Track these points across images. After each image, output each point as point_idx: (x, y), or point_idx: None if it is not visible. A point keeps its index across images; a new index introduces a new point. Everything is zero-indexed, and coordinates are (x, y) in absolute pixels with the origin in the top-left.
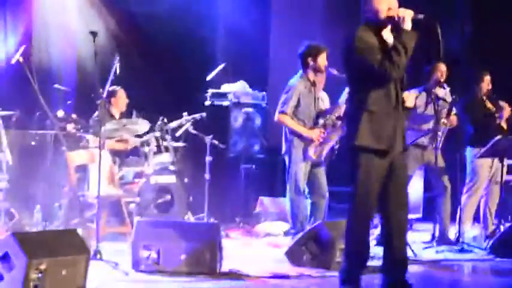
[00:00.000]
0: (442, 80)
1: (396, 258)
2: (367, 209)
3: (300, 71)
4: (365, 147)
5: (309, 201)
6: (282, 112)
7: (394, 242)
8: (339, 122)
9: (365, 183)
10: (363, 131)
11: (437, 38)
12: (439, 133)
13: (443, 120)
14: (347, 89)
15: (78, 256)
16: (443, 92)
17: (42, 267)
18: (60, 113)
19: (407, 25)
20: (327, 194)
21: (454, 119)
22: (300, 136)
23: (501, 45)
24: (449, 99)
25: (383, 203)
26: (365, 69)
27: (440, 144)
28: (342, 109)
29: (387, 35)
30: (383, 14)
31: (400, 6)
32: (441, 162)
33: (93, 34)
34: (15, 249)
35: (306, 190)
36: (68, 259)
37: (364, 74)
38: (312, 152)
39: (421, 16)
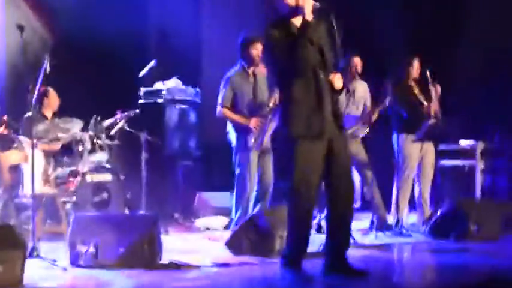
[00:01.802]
0: (358, 72)
1: (339, 239)
2: (307, 194)
3: (239, 63)
4: (297, 136)
5: (254, 191)
6: (221, 105)
7: (336, 222)
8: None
9: (303, 168)
10: (292, 120)
11: (333, 28)
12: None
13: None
14: None
15: (14, 251)
16: (363, 86)
17: None
18: None
19: (308, 15)
20: (271, 183)
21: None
22: (239, 126)
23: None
24: (366, 92)
25: (327, 184)
26: (277, 64)
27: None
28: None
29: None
30: (289, 5)
31: None
32: (364, 154)
33: (20, 28)
34: None
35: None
36: (3, 254)
37: (279, 68)
38: (251, 141)
39: (318, 5)
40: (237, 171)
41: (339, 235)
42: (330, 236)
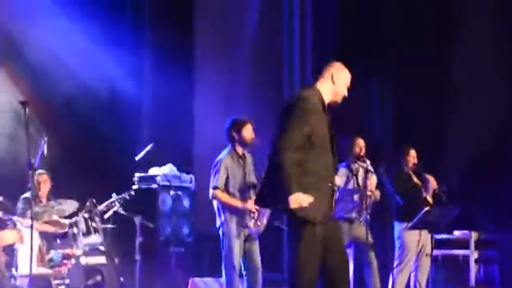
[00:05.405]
0: (362, 154)
1: None
2: (311, 281)
3: (229, 146)
4: (305, 219)
5: (244, 277)
6: (214, 187)
7: None
8: None
9: (309, 253)
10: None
11: None
12: (365, 206)
13: (369, 192)
14: None
15: None
16: (365, 166)
17: None
18: None
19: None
20: (260, 268)
21: (377, 192)
22: (234, 210)
23: (423, 121)
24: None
25: (323, 270)
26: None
27: (368, 218)
28: None
29: None
30: None
31: None
32: (369, 238)
33: (24, 104)
34: None
35: (242, 266)
36: None
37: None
38: (251, 223)
39: None
40: (226, 257)
41: None
42: None
